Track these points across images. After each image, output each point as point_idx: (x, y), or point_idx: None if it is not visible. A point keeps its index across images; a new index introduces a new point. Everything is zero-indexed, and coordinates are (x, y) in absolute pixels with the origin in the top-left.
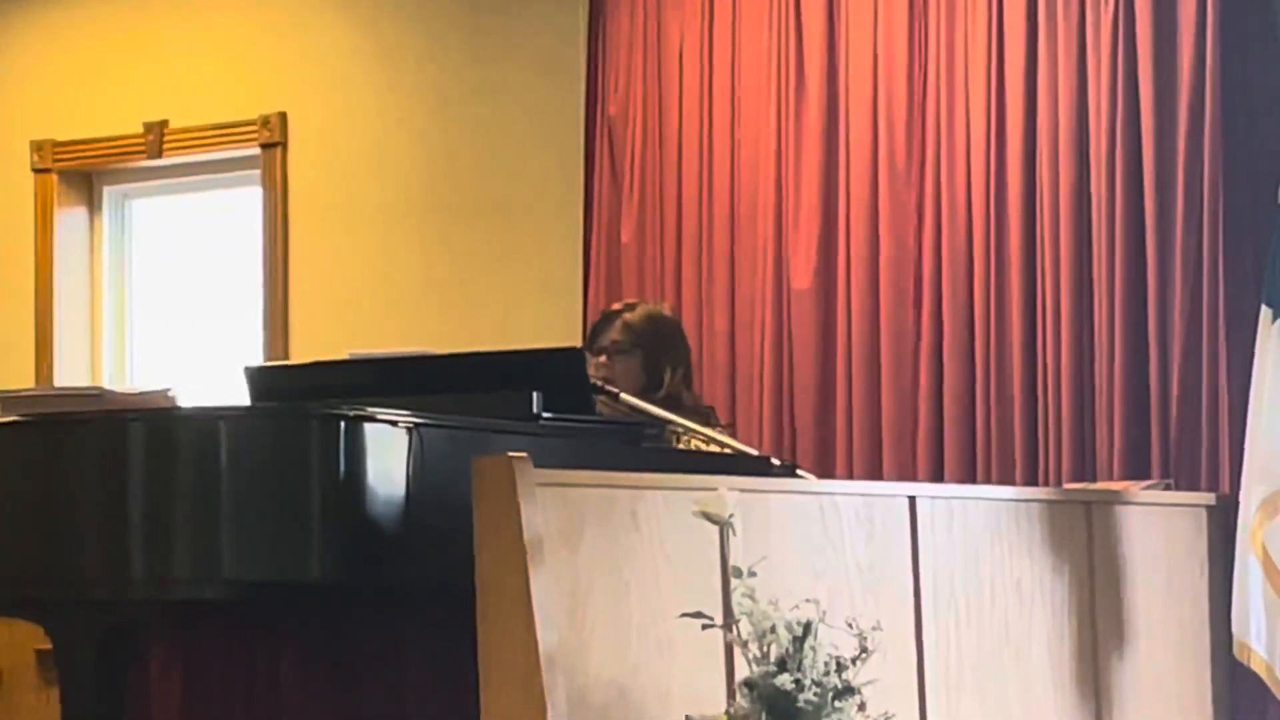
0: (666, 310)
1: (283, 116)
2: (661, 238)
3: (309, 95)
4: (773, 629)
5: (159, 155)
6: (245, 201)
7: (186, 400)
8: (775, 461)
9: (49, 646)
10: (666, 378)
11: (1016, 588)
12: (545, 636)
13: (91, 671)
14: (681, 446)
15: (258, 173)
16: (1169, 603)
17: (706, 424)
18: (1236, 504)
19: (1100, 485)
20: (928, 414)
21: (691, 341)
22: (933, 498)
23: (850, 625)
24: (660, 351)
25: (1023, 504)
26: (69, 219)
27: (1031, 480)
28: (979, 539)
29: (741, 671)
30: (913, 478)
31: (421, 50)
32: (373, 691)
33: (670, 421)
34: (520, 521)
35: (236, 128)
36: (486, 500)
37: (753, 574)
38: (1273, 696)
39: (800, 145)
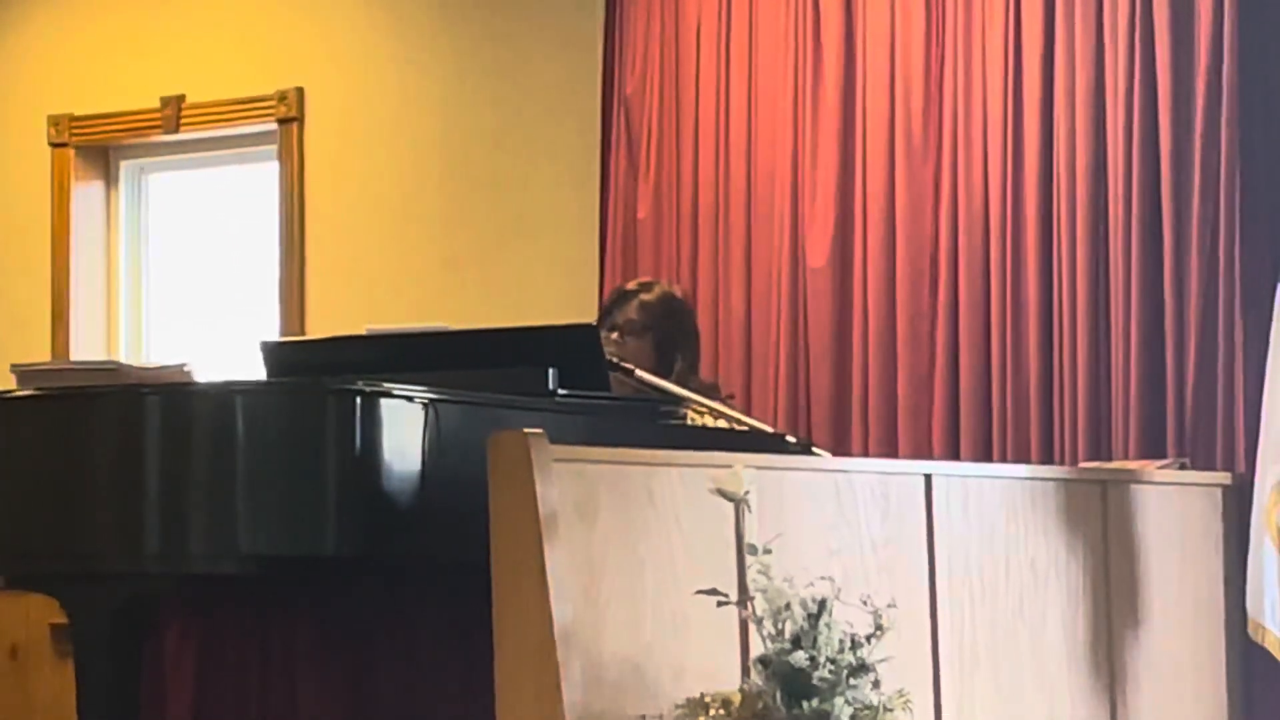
0: (679, 292)
1: (300, 92)
2: (678, 215)
3: (326, 71)
4: (787, 606)
5: (176, 130)
6: (262, 177)
7: (203, 375)
8: (791, 439)
9: (64, 621)
10: (677, 364)
11: (1031, 566)
12: (560, 613)
13: (107, 646)
14: (697, 423)
15: (275, 148)
16: (1183, 582)
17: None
18: (1252, 484)
19: (1115, 464)
20: (943, 392)
21: (707, 319)
22: (948, 476)
23: (865, 603)
24: (673, 336)
25: (1038, 483)
26: (86, 193)
27: (1047, 459)
28: (994, 517)
29: (756, 649)
30: (928, 456)
31: (439, 26)
32: (387, 668)
33: (686, 398)
34: (536, 497)
35: (254, 103)
36: (502, 476)
37: (768, 551)
38: None
39: (817, 123)
